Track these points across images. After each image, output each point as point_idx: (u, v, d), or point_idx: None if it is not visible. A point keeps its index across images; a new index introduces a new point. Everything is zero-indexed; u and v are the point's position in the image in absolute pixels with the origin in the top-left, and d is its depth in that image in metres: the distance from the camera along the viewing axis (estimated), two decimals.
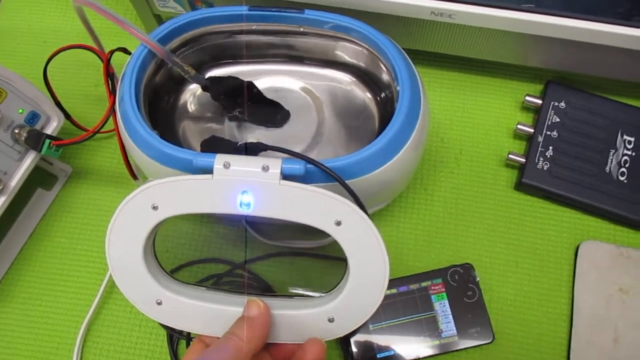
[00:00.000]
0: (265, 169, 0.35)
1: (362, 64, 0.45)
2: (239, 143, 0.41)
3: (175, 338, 0.46)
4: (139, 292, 0.38)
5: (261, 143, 0.39)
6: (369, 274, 0.36)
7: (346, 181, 0.37)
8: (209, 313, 0.37)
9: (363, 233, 0.35)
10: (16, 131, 0.44)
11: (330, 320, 0.37)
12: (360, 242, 0.36)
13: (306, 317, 0.37)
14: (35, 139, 0.43)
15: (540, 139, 0.50)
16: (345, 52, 0.45)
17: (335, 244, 0.37)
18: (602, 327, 0.46)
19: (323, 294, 0.39)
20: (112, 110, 0.42)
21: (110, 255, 0.37)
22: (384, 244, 0.35)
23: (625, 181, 0.48)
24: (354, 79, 0.47)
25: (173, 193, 0.36)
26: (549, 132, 0.50)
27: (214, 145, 0.41)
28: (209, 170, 0.36)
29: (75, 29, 0.58)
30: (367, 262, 0.36)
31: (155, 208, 0.36)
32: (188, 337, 0.46)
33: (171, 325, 0.38)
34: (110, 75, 0.43)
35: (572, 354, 0.45)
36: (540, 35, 0.45)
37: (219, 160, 0.36)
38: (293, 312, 0.37)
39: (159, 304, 0.37)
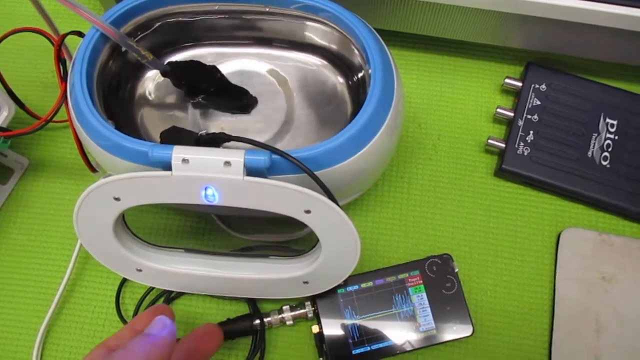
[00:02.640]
0: (227, 164, 0.33)
1: (332, 46, 0.43)
2: (200, 133, 0.38)
3: None
4: (119, 264, 0.41)
5: (224, 133, 0.37)
6: (340, 251, 0.38)
7: (317, 172, 0.35)
8: (186, 274, 0.40)
9: (333, 219, 0.35)
10: None
11: (305, 283, 0.40)
12: (330, 226, 0.36)
13: (283, 280, 0.40)
14: None
15: (521, 123, 0.48)
16: (314, 33, 0.42)
17: (308, 237, 0.38)
18: (584, 317, 0.45)
19: (296, 255, 0.41)
20: (63, 98, 0.39)
21: (84, 240, 0.39)
22: (353, 226, 0.36)
23: (608, 166, 0.47)
24: (324, 62, 0.44)
25: (133, 187, 0.34)
26: (529, 116, 0.48)
27: (175, 136, 0.39)
28: (167, 165, 0.34)
29: (30, 12, 0.54)
30: (338, 242, 0.37)
31: (117, 199, 0.35)
32: None
33: (155, 286, 0.43)
34: (62, 61, 0.40)
35: (554, 345, 0.44)
36: (521, 14, 0.43)
37: (177, 154, 0.33)
38: (271, 276, 0.40)
39: (140, 270, 0.41)
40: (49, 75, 0.52)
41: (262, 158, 0.33)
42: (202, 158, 0.33)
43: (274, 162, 0.34)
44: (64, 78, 0.39)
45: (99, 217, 0.36)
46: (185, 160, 0.33)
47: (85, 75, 0.36)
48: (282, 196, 0.34)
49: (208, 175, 0.33)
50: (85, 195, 0.35)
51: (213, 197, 0.35)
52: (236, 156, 0.33)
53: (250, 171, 0.34)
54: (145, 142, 0.34)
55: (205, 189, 0.34)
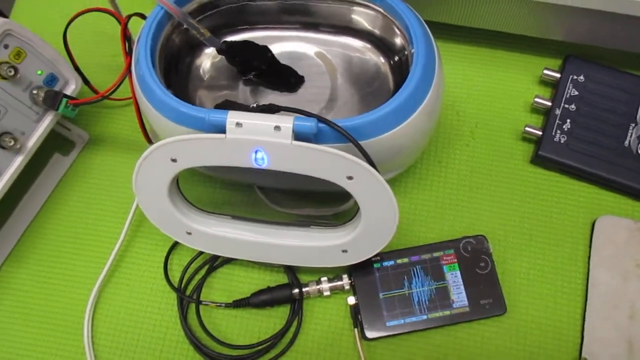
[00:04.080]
0: (277, 128, 0.35)
1: (376, 30, 0.45)
2: (252, 105, 0.41)
3: (185, 302, 0.47)
4: (171, 227, 0.43)
5: (274, 104, 0.39)
6: (379, 219, 0.39)
7: (359, 142, 0.37)
8: (231, 239, 0.43)
9: (374, 186, 0.37)
10: (34, 92, 0.44)
11: (344, 251, 0.42)
12: (371, 193, 0.37)
13: (323, 248, 0.43)
14: (52, 98, 0.43)
15: (558, 112, 0.49)
16: (361, 17, 0.45)
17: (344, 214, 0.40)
18: (618, 303, 0.45)
19: (337, 225, 0.43)
20: (128, 71, 0.42)
21: (140, 200, 0.42)
22: (393, 194, 0.37)
23: None
24: (367, 45, 0.46)
25: (189, 148, 0.37)
26: (567, 106, 0.49)
27: (228, 107, 0.41)
28: (221, 129, 0.36)
29: (96, 1, 0.59)
30: (377, 209, 0.38)
31: (174, 160, 0.38)
32: (197, 301, 0.46)
33: (202, 250, 0.46)
34: (127, 38, 0.43)
35: (587, 329, 0.45)
36: (564, 5, 0.44)
37: (231, 118, 0.36)
38: (312, 244, 0.43)
39: (189, 234, 0.43)
40: (108, 58, 0.56)
41: (309, 124, 0.36)
42: (254, 123, 0.36)
43: (320, 131, 0.37)
44: (128, 53, 0.43)
45: (156, 177, 0.39)
46: (238, 124, 0.36)
47: (150, 48, 0.40)
48: (326, 161, 0.36)
49: (259, 138, 0.36)
50: (145, 156, 0.38)
51: (262, 160, 0.37)
52: (286, 122, 0.35)
53: (298, 137, 0.36)
54: (202, 109, 0.37)
55: (256, 152, 0.37)
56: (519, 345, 0.45)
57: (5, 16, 0.45)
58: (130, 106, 0.54)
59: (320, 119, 0.36)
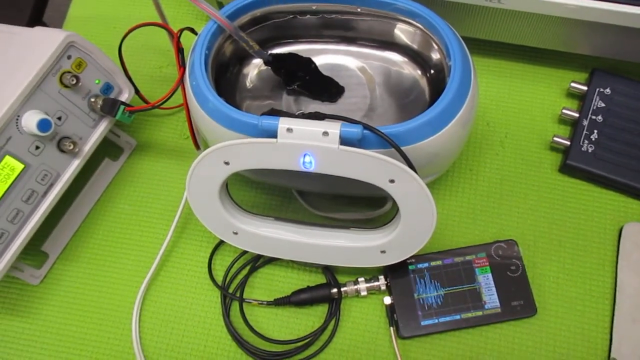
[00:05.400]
0: (325, 133, 0.38)
1: (414, 45, 0.48)
2: (297, 113, 0.44)
3: (229, 299, 0.49)
4: (218, 226, 0.46)
5: (319, 112, 0.42)
6: (418, 221, 0.41)
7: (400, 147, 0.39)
8: (275, 239, 0.46)
9: (414, 189, 0.39)
10: (92, 100, 0.47)
11: (382, 252, 0.44)
12: (411, 196, 0.40)
13: (362, 249, 0.45)
14: (110, 105, 0.47)
15: (585, 122, 0.51)
16: (400, 32, 0.47)
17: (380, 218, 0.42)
18: None
19: (375, 228, 0.46)
20: (181, 81, 0.45)
21: (192, 200, 0.44)
22: (431, 196, 0.39)
23: None
24: (405, 59, 0.49)
25: (242, 152, 0.39)
26: (594, 117, 0.51)
27: (275, 115, 0.44)
28: (272, 134, 0.39)
29: (144, 17, 0.62)
30: (417, 211, 0.41)
31: (227, 163, 0.40)
32: (241, 299, 0.49)
33: (247, 249, 0.48)
34: (180, 50, 0.46)
35: (615, 331, 0.46)
36: (590, 21, 0.46)
37: (282, 124, 0.39)
38: (352, 244, 0.45)
39: (235, 233, 0.46)
40: (154, 69, 0.59)
41: (355, 130, 0.38)
42: (303, 128, 0.38)
43: (364, 137, 0.39)
44: (182, 64, 0.46)
45: (209, 179, 0.42)
46: (289, 130, 0.38)
47: (204, 58, 0.43)
48: (370, 165, 0.39)
49: (308, 142, 0.38)
50: (200, 158, 0.41)
51: (310, 164, 0.40)
52: (333, 127, 0.38)
53: (344, 142, 0.39)
54: (254, 115, 0.40)
55: (304, 156, 0.39)
56: (548, 346, 0.47)
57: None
58: (174, 114, 0.57)
59: (365, 126, 0.39)
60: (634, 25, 0.46)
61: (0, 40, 0.47)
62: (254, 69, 0.50)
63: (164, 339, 0.49)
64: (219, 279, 0.50)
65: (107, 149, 0.55)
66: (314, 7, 0.46)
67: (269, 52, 0.48)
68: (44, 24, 0.90)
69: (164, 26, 0.48)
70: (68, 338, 0.49)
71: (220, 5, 0.57)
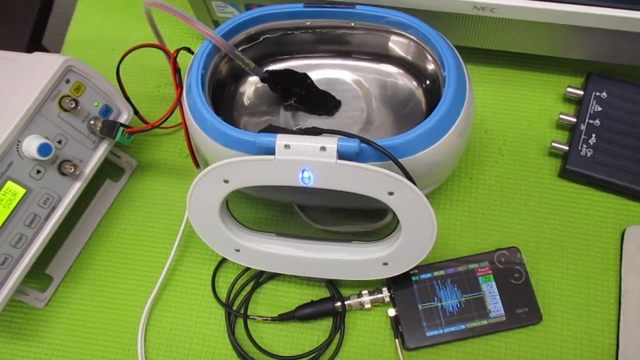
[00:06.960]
0: (322, 148, 0.38)
1: (408, 56, 0.48)
2: (295, 128, 0.44)
3: (233, 316, 0.49)
4: (220, 244, 0.46)
5: (316, 127, 0.42)
6: (419, 232, 0.41)
7: (398, 160, 0.39)
8: (277, 255, 0.46)
9: (413, 201, 0.39)
10: (92, 122, 0.48)
11: (385, 264, 0.44)
12: (411, 207, 0.40)
13: (365, 261, 0.45)
14: (109, 127, 0.47)
15: (583, 127, 0.51)
16: (394, 45, 0.48)
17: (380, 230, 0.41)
18: None
19: (377, 240, 0.46)
20: (179, 101, 0.45)
21: (193, 219, 0.45)
22: (432, 208, 0.39)
23: None
24: (400, 70, 0.49)
25: (240, 170, 0.40)
26: (591, 121, 0.51)
27: (272, 132, 0.44)
28: (270, 150, 0.39)
29: (140, 38, 0.63)
30: (417, 222, 0.41)
31: (226, 181, 0.40)
32: (245, 315, 0.49)
33: (250, 266, 0.48)
34: (177, 70, 0.47)
35: (621, 335, 0.46)
36: (583, 26, 0.47)
37: (280, 141, 0.39)
38: (354, 258, 0.45)
39: (238, 250, 0.46)
40: (152, 89, 0.60)
41: (352, 144, 0.38)
42: (301, 144, 0.39)
43: (361, 150, 0.39)
44: (179, 84, 0.46)
45: (209, 197, 0.42)
46: (287, 146, 0.39)
47: (200, 78, 0.43)
48: (369, 178, 0.39)
49: (306, 158, 0.39)
50: (200, 177, 0.41)
51: (309, 179, 0.40)
52: (331, 142, 0.38)
53: (342, 156, 0.39)
54: (252, 133, 0.40)
55: (303, 171, 0.39)
56: (555, 353, 0.46)
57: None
58: (173, 134, 0.58)
59: (363, 140, 0.39)
60: (627, 29, 0.46)
61: None
62: (251, 86, 0.50)
63: (170, 358, 0.49)
64: (223, 296, 0.50)
65: (108, 170, 0.55)
66: (308, 23, 0.47)
67: (265, 68, 0.48)
68: (43, 48, 0.91)
69: (161, 47, 0.49)
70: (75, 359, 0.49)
71: (216, 24, 0.58)
